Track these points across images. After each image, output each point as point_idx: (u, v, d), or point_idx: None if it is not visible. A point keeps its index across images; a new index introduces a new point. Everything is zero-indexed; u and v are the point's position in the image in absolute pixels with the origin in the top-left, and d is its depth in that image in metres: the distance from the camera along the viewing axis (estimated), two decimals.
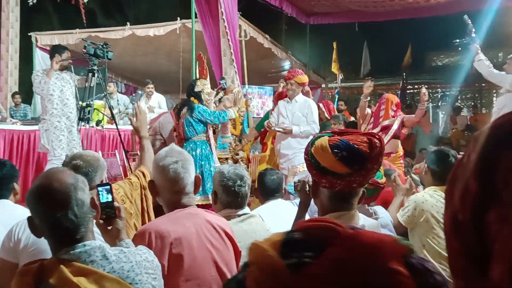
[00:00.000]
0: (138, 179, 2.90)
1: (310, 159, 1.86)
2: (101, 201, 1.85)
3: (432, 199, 3.12)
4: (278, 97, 6.97)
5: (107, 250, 1.59)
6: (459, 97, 15.26)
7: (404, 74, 14.69)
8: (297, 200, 3.85)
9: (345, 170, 1.77)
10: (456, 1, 9.38)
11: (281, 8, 9.50)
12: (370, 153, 1.77)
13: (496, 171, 0.60)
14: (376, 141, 1.80)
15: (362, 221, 1.91)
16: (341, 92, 15.27)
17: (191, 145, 5.67)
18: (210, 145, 5.77)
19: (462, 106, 14.81)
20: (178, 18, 8.82)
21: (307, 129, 5.76)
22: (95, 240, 1.62)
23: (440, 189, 3.21)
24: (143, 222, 2.82)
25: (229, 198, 2.62)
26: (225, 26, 7.87)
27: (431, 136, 13.14)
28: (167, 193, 2.20)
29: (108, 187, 1.89)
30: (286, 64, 10.89)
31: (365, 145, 1.78)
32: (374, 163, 1.81)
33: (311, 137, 5.88)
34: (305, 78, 5.92)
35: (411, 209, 3.11)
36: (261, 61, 10.40)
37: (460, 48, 5.97)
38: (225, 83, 6.84)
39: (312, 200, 1.97)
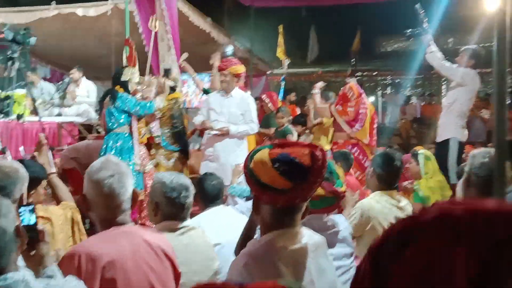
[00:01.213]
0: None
1: (250, 174, 1.85)
2: (23, 223, 1.77)
3: (378, 205, 3.21)
4: None
5: (31, 284, 1.52)
6: (408, 85, 15.69)
7: (353, 60, 14.92)
8: (240, 205, 3.86)
9: (287, 185, 1.78)
10: None
11: None
12: (313, 166, 1.79)
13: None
14: (318, 153, 1.82)
15: (306, 238, 1.93)
16: (287, 79, 15.37)
17: (112, 137, 5.57)
18: (133, 138, 5.66)
19: (411, 96, 15.24)
20: None
21: (246, 129, 5.64)
22: (19, 272, 1.55)
23: (386, 194, 3.30)
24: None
25: (173, 210, 2.59)
26: (162, 9, 7.71)
27: (381, 127, 13.49)
28: (100, 209, 2.14)
29: (31, 207, 1.81)
30: (229, 50, 10.81)
31: (306, 158, 1.80)
32: (317, 176, 1.83)
33: (245, 140, 5.89)
34: (241, 68, 5.74)
35: (358, 216, 3.18)
36: (202, 46, 10.27)
37: (412, 39, 6.10)
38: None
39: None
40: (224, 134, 5.58)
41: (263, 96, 8.42)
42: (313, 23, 15.47)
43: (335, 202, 2.64)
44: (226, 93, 5.66)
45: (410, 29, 5.79)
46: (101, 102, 5.63)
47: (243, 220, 3.18)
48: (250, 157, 1.87)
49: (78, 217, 2.79)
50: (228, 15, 14.36)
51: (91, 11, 8.88)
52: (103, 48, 10.21)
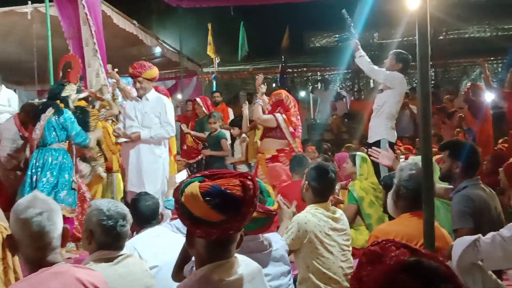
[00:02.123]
0: None
1: (181, 208, 1.83)
2: None
3: (314, 218, 3.26)
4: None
5: None
6: (338, 81, 16.03)
7: (283, 56, 15.08)
8: (177, 220, 3.81)
9: (220, 218, 1.77)
10: None
11: None
12: (244, 196, 1.80)
13: None
14: (249, 182, 1.82)
15: (242, 268, 1.93)
16: (218, 77, 15.36)
17: (51, 153, 5.40)
18: (71, 155, 5.54)
19: (341, 92, 15.56)
20: (29, 2, 8.21)
21: (160, 132, 5.55)
22: None
23: (321, 206, 3.36)
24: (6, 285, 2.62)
25: (108, 239, 2.51)
26: (86, 13, 7.48)
27: (312, 123, 13.73)
28: (29, 249, 2.05)
29: None
30: (157, 52, 10.67)
31: (238, 188, 1.80)
32: (250, 206, 1.83)
33: (166, 142, 5.81)
34: (154, 72, 5.68)
35: (295, 231, 3.22)
36: (130, 48, 10.09)
37: (338, 38, 6.24)
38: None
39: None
40: (135, 139, 5.45)
41: (198, 100, 8.36)
42: (242, 20, 15.48)
43: (268, 222, 2.66)
44: (141, 98, 5.60)
45: (338, 35, 5.93)
46: (37, 115, 5.42)
47: (180, 239, 3.15)
48: (180, 191, 1.85)
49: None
50: (156, 16, 14.13)
51: (9, 14, 8.49)
52: (24, 52, 9.82)
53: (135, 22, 9.14)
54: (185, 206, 1.81)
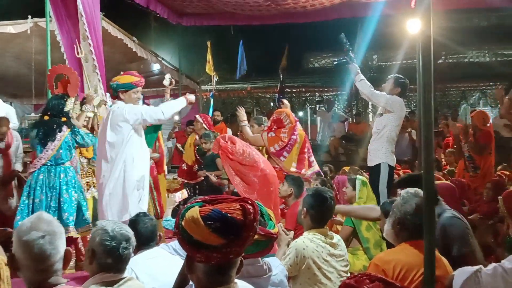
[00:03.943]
0: None
1: (182, 233, 1.86)
2: None
3: (312, 244, 3.28)
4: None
5: None
6: (336, 101, 16.10)
7: (282, 76, 15.16)
8: (173, 243, 3.81)
9: (221, 242, 1.80)
10: (333, 8, 9.91)
11: (149, 8, 9.32)
12: (245, 220, 1.83)
13: None
14: (250, 207, 1.86)
15: None
16: (216, 95, 15.40)
17: (66, 171, 5.51)
18: (76, 172, 5.66)
19: (340, 113, 15.62)
20: (29, 16, 8.28)
21: None
22: None
23: (319, 232, 3.38)
24: None
25: (109, 261, 2.51)
26: (85, 29, 7.53)
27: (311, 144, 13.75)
28: (30, 271, 2.06)
29: None
30: (156, 69, 10.74)
31: (238, 212, 1.83)
32: (250, 230, 1.86)
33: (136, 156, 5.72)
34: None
35: (293, 257, 3.23)
36: (129, 64, 10.15)
37: (336, 62, 6.28)
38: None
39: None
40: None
41: (197, 117, 8.37)
42: (242, 39, 15.60)
43: (269, 245, 2.67)
44: None
45: (337, 59, 5.98)
46: (52, 134, 5.46)
47: (177, 261, 3.15)
48: (181, 216, 1.88)
49: (6, 273, 2.64)
50: (155, 33, 14.23)
51: (10, 28, 8.55)
52: (22, 66, 9.87)
53: (134, 38, 9.21)
54: (185, 230, 1.83)
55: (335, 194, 6.73)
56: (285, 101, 7.16)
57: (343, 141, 12.96)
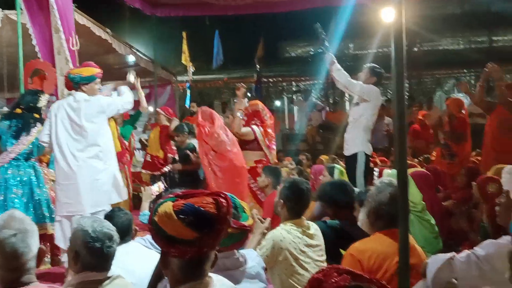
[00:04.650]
0: None
1: (155, 228, 1.86)
2: None
3: (289, 235, 3.29)
4: None
5: None
6: (313, 90, 16.15)
7: (258, 66, 15.15)
8: (149, 237, 3.79)
9: (194, 236, 1.80)
10: None
11: None
12: (218, 213, 1.84)
13: None
14: (223, 200, 1.87)
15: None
16: (192, 86, 15.31)
17: (31, 166, 5.46)
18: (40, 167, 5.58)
19: (317, 102, 15.67)
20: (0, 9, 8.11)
21: None
22: None
23: (296, 223, 3.39)
24: None
25: (94, 261, 2.48)
26: (57, 21, 7.40)
27: (288, 134, 13.82)
28: (3, 270, 2.05)
29: None
30: (131, 60, 10.62)
31: (211, 206, 1.84)
32: (223, 223, 1.87)
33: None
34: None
35: (270, 248, 3.23)
36: (104, 56, 10.01)
37: (313, 52, 6.31)
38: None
39: None
40: None
41: (158, 110, 8.31)
42: (217, 29, 15.51)
43: (242, 238, 2.67)
44: None
45: (313, 49, 6.00)
46: (25, 128, 5.36)
47: (154, 255, 3.13)
48: (154, 211, 1.88)
49: None
50: (129, 24, 14.08)
51: None
52: None
53: (108, 30, 9.08)
54: (159, 226, 1.84)
55: (311, 183, 6.79)
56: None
57: (320, 130, 13.02)
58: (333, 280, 1.37)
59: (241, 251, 2.77)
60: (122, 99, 5.31)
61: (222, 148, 5.47)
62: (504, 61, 13.86)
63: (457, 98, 9.09)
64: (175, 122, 8.08)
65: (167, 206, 1.84)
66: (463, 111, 7.84)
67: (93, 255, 2.47)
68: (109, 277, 2.53)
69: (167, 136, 8.01)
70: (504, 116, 6.44)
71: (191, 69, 14.96)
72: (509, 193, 2.78)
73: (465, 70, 15.32)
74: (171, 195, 1.94)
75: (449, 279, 2.40)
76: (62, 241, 4.89)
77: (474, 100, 7.17)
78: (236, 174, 5.51)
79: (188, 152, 7.22)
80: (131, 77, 6.13)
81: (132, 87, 6.06)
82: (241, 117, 6.40)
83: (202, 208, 1.82)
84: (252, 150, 6.39)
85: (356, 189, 4.64)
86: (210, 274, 1.96)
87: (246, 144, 6.42)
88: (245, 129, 6.33)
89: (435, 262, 2.44)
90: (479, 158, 7.64)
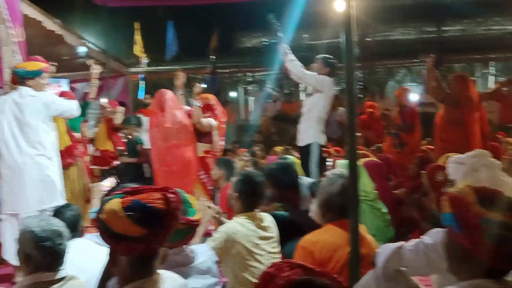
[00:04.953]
0: None
1: (102, 226, 1.84)
2: None
3: (243, 228, 3.29)
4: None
5: None
6: (269, 82, 16.15)
7: (213, 57, 15.06)
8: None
9: (143, 232, 1.79)
10: None
11: None
12: (167, 209, 1.84)
13: None
14: (171, 195, 1.85)
15: (166, 285, 1.94)
16: (146, 77, 15.12)
17: None
18: None
19: (272, 92, 15.68)
20: None
21: None
22: None
23: (250, 216, 3.39)
24: None
25: (46, 260, 2.42)
26: (4, 12, 7.15)
27: (243, 125, 13.79)
28: None
29: None
30: (82, 51, 10.37)
31: (160, 202, 1.83)
32: (172, 219, 1.87)
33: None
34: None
35: (222, 241, 3.22)
36: (52, 47, 9.75)
37: (267, 42, 6.30)
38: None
39: None
40: None
41: (103, 103, 8.13)
42: (171, 19, 15.32)
43: (189, 233, 2.65)
44: None
45: (267, 39, 6.00)
46: None
47: (105, 252, 3.08)
48: (100, 208, 1.85)
49: None
50: (80, 14, 13.73)
51: None
52: None
53: (57, 21, 8.84)
54: (106, 224, 1.81)
55: None
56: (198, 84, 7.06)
57: (275, 121, 13.05)
58: (284, 274, 1.38)
59: (191, 246, 2.75)
60: (70, 103, 5.18)
61: (172, 138, 5.39)
62: (452, 51, 14.26)
63: (406, 88, 9.29)
64: (120, 115, 7.94)
65: (114, 203, 1.82)
66: (411, 100, 8.01)
67: (45, 254, 2.42)
68: (63, 278, 2.48)
69: (113, 128, 7.87)
70: (450, 107, 6.61)
71: (144, 60, 14.79)
72: (455, 182, 2.85)
73: (416, 60, 15.60)
74: (119, 192, 1.92)
75: (398, 267, 2.44)
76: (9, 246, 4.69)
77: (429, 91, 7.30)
78: (185, 167, 5.46)
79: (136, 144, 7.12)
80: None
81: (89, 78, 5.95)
82: (199, 105, 6.22)
83: (150, 204, 1.80)
84: (204, 143, 6.35)
85: (310, 180, 4.69)
86: (160, 270, 1.94)
87: (202, 136, 6.34)
88: (205, 121, 6.24)
89: (384, 251, 2.48)
90: (430, 146, 7.81)
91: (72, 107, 5.16)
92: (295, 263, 1.45)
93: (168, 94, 5.70)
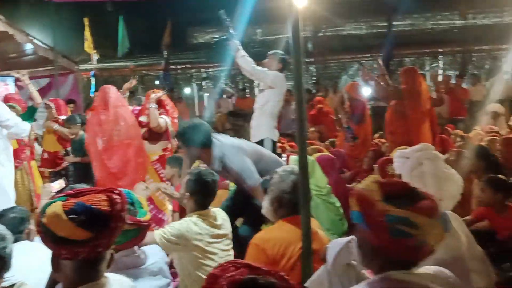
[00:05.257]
0: None
1: (43, 230, 1.78)
2: None
3: (196, 227, 3.27)
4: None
5: None
6: (223, 78, 16.10)
7: (166, 53, 14.90)
8: None
9: (87, 236, 1.74)
10: None
11: None
12: (112, 211, 1.79)
13: None
14: (116, 197, 1.81)
15: None
16: (97, 74, 14.85)
17: None
18: None
19: (228, 89, 15.63)
20: None
21: None
22: None
23: (203, 214, 3.37)
24: None
25: None
26: None
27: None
28: None
29: None
30: (29, 48, 10.08)
31: (104, 203, 1.79)
32: (118, 221, 1.82)
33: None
34: None
35: (173, 236, 3.18)
36: None
37: (218, 38, 6.27)
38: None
39: None
40: None
41: (48, 102, 7.89)
42: (122, 15, 15.07)
43: (139, 233, 2.61)
44: None
45: (218, 37, 5.96)
46: None
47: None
48: (41, 212, 1.80)
49: None
50: (26, 10, 13.36)
51: None
52: None
53: (1, 17, 8.56)
54: (47, 228, 1.76)
55: None
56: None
57: (230, 117, 13.03)
58: (229, 275, 1.38)
59: (143, 247, 2.71)
60: (19, 124, 5.09)
61: (114, 136, 5.26)
62: (402, 45, 14.56)
63: (355, 82, 9.44)
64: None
65: (56, 206, 1.77)
66: (361, 94, 8.15)
67: None
68: (13, 285, 2.40)
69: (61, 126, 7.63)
70: (398, 101, 6.74)
71: (95, 57, 14.51)
72: (401, 177, 2.90)
73: (368, 55, 15.86)
74: (61, 195, 1.87)
75: (348, 261, 2.47)
76: None
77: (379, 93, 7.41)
78: (124, 167, 5.33)
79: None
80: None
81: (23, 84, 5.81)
82: (155, 107, 6.11)
83: (94, 206, 1.76)
84: (162, 140, 6.27)
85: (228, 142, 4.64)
86: (107, 274, 1.91)
87: (159, 135, 6.23)
88: (162, 121, 6.14)
89: (335, 246, 2.50)
90: (382, 140, 7.96)
91: (20, 127, 5.07)
92: (241, 262, 1.44)
93: (112, 90, 5.56)
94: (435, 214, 1.72)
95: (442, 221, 1.73)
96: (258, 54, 8.04)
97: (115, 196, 1.81)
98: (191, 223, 3.26)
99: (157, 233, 3.17)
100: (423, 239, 1.69)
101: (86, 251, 1.76)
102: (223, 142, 4.33)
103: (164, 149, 6.31)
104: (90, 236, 1.74)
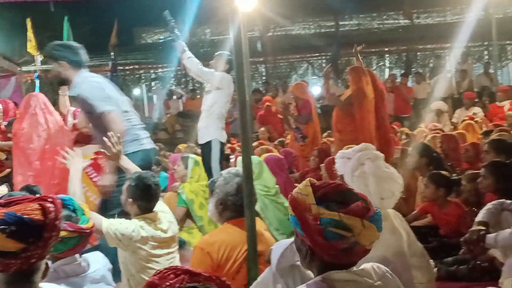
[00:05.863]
0: None
1: None
2: None
3: (143, 231, 3.22)
4: None
5: None
6: (172, 78, 15.97)
7: (113, 53, 14.65)
8: None
9: (19, 247, 1.68)
10: None
11: None
12: (45, 220, 1.73)
13: None
14: (50, 205, 1.75)
15: None
16: (42, 76, 14.44)
17: None
18: None
19: (177, 90, 15.50)
20: None
21: None
22: None
23: (148, 218, 3.32)
24: None
25: None
26: None
27: (146, 123, 13.51)
28: None
29: None
30: None
31: (37, 212, 1.72)
32: (52, 230, 1.75)
33: None
34: None
35: (120, 233, 3.12)
36: None
37: (163, 40, 6.20)
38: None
39: None
40: None
41: None
42: (66, 15, 14.73)
43: (81, 241, 2.55)
44: None
45: (163, 37, 5.89)
46: None
47: None
48: None
49: None
50: None
51: None
52: None
53: None
54: None
55: (170, 172, 6.73)
56: None
57: (180, 118, 12.95)
58: (168, 283, 1.36)
59: (85, 255, 2.65)
60: None
61: (33, 143, 5.07)
62: (350, 45, 14.80)
63: (300, 82, 9.55)
64: None
65: None
66: (306, 93, 8.23)
67: None
68: None
69: (3, 133, 7.36)
70: (344, 100, 6.85)
71: (39, 58, 14.10)
72: (343, 177, 2.94)
73: (316, 54, 16.05)
74: None
75: (293, 262, 2.48)
76: None
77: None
78: (40, 175, 5.16)
79: None
80: None
81: None
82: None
83: (26, 216, 1.69)
84: (94, 144, 6.10)
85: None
86: (42, 284, 1.85)
87: (87, 139, 6.05)
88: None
89: (278, 247, 2.51)
90: (331, 139, 8.05)
91: None
92: (182, 269, 1.43)
93: (37, 97, 5.35)
94: (367, 214, 1.74)
95: (375, 221, 1.76)
96: (207, 54, 8.01)
97: (48, 205, 1.74)
98: (137, 227, 3.21)
99: (105, 222, 3.13)
100: (356, 240, 1.72)
101: (18, 263, 1.69)
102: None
103: (97, 152, 6.11)
104: (22, 247, 1.68)
